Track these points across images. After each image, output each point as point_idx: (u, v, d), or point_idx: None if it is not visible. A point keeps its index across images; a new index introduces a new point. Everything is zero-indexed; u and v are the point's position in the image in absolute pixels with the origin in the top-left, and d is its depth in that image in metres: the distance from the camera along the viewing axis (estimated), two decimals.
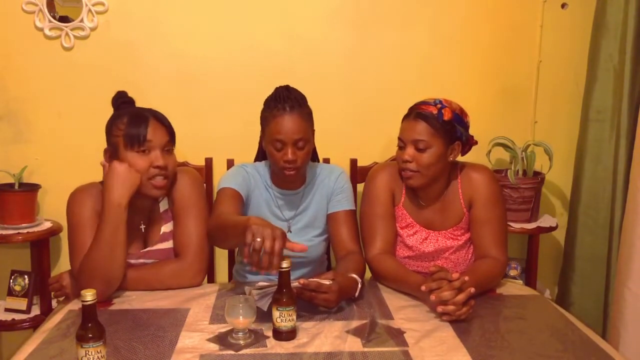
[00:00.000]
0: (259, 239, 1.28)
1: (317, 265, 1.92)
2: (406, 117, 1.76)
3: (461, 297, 1.46)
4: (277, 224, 1.58)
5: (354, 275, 1.60)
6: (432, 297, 1.49)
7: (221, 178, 1.82)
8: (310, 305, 1.51)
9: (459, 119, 1.72)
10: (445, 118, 1.68)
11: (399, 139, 1.75)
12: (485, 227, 1.75)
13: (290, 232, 1.84)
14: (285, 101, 1.71)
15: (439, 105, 1.69)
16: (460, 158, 1.81)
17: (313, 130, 1.79)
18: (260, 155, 1.92)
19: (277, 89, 1.77)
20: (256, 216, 1.49)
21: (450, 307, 1.46)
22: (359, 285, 1.60)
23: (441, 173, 1.75)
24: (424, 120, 1.69)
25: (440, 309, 1.47)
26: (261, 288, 1.44)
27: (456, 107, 1.73)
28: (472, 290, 1.47)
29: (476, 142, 1.82)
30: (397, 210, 1.83)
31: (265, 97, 1.77)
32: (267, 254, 1.27)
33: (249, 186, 1.81)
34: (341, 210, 1.84)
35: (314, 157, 1.94)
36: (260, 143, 1.89)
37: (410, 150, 1.71)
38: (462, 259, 1.80)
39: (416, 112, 1.72)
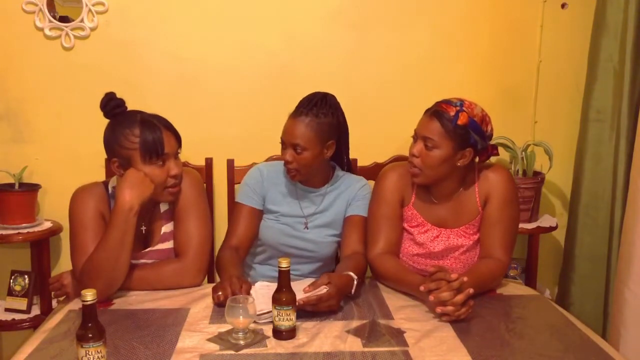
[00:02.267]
0: (219, 293, 1.56)
1: (326, 263, 1.94)
2: (426, 112, 1.73)
3: (460, 297, 1.46)
4: (295, 220, 1.88)
5: (349, 273, 1.61)
6: (431, 298, 1.49)
7: (242, 182, 1.93)
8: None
9: (476, 126, 1.67)
10: (460, 122, 1.65)
11: (415, 130, 1.75)
12: (495, 227, 1.74)
13: (307, 229, 1.88)
14: (304, 105, 1.78)
15: (457, 108, 1.66)
16: None
17: (325, 141, 1.79)
18: None
19: (314, 93, 1.83)
20: (229, 275, 1.63)
21: (449, 308, 1.46)
22: (355, 282, 1.61)
23: (447, 175, 1.73)
24: (438, 119, 1.67)
25: (439, 309, 1.47)
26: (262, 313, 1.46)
27: (477, 114, 1.69)
28: (471, 290, 1.48)
29: (497, 153, 1.81)
30: (407, 210, 1.82)
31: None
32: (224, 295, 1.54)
33: (263, 188, 1.88)
34: (357, 214, 1.88)
35: (345, 166, 1.97)
36: None
37: (419, 146, 1.71)
38: (471, 260, 1.79)
39: (434, 110, 1.70)
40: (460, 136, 1.67)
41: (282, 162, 1.88)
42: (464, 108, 1.67)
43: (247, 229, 1.86)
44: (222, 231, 1.97)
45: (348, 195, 1.90)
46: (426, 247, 1.80)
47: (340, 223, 1.90)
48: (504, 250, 1.72)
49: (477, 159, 1.77)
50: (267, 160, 2.22)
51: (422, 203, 1.81)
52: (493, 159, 1.91)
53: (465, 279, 1.49)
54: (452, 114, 1.66)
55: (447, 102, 1.70)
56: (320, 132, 1.77)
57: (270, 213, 1.89)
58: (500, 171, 1.79)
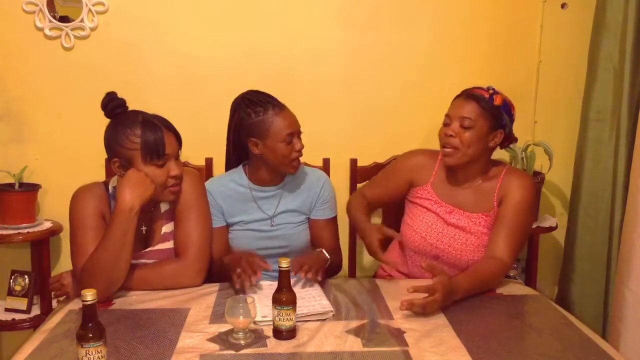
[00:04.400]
0: (238, 270, 1.64)
1: (303, 255, 1.93)
2: (457, 97, 1.85)
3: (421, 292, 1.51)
4: (260, 223, 1.89)
5: (323, 252, 1.79)
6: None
7: None
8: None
9: (508, 108, 1.81)
10: (496, 103, 1.78)
11: (446, 115, 1.84)
12: (504, 228, 1.75)
13: (273, 226, 1.90)
14: (272, 99, 1.81)
15: (491, 91, 1.80)
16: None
17: None
18: (233, 162, 1.96)
19: (246, 96, 1.83)
20: (231, 254, 1.81)
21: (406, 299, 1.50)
22: (328, 259, 1.79)
23: (479, 155, 1.81)
24: (475, 100, 1.78)
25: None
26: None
27: (506, 97, 1.82)
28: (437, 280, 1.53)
29: (516, 140, 1.90)
30: (423, 189, 1.90)
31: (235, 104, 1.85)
32: (246, 274, 1.62)
33: (218, 206, 1.89)
34: (325, 218, 1.95)
35: None
36: (230, 151, 1.92)
37: (455, 127, 1.79)
38: (479, 249, 1.80)
39: (468, 93, 1.82)
40: (495, 117, 1.79)
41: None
42: (497, 91, 1.81)
43: (222, 246, 1.89)
44: None
45: (312, 193, 1.93)
46: (440, 215, 1.85)
47: (304, 211, 1.93)
48: (508, 252, 1.72)
49: (498, 146, 1.87)
50: None
51: (440, 185, 1.89)
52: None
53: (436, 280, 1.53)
54: (487, 96, 1.78)
55: (479, 88, 1.82)
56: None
57: (234, 225, 1.91)
58: (525, 179, 1.83)
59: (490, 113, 1.77)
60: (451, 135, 1.79)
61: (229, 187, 1.91)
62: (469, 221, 1.82)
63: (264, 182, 1.90)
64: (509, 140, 1.87)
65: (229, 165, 1.97)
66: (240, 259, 1.69)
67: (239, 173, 1.93)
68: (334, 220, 1.98)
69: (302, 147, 1.83)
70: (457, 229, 1.82)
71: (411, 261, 1.90)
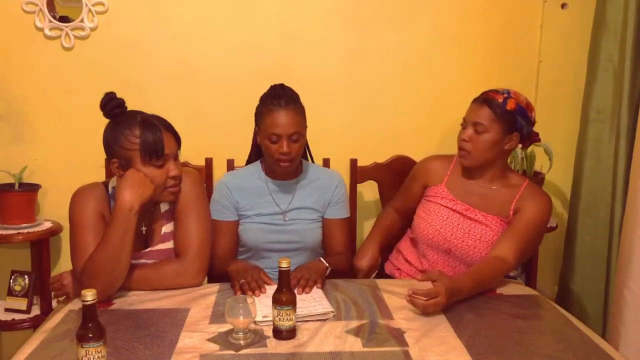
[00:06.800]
0: (242, 280, 1.65)
1: (314, 253, 1.96)
2: (474, 101, 1.86)
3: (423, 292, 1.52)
4: (273, 217, 1.90)
5: (322, 261, 1.79)
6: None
7: (211, 199, 1.94)
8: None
9: (522, 111, 1.80)
10: (508, 107, 1.78)
11: (463, 119, 1.86)
12: (513, 234, 1.76)
13: (286, 221, 1.91)
14: (281, 97, 1.81)
15: (505, 95, 1.80)
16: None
17: (306, 126, 1.87)
18: (254, 153, 1.99)
19: (272, 86, 1.87)
20: (236, 263, 1.79)
21: (410, 297, 1.52)
22: (327, 267, 1.78)
23: (495, 158, 1.83)
24: (488, 105, 1.79)
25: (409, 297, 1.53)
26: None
27: (522, 101, 1.82)
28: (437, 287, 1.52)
29: (539, 140, 1.91)
30: (438, 188, 1.93)
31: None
32: (250, 289, 1.62)
33: (232, 199, 1.91)
34: (338, 218, 1.96)
35: (307, 156, 2.03)
36: (254, 139, 1.96)
37: (469, 131, 1.82)
38: (486, 241, 1.81)
39: (483, 97, 1.83)
40: (509, 121, 1.79)
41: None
42: (511, 95, 1.81)
43: (230, 241, 1.92)
44: None
45: (326, 193, 1.94)
46: (455, 211, 1.86)
47: (319, 209, 1.94)
48: (513, 254, 1.72)
49: (520, 146, 1.90)
50: None
51: (455, 185, 1.91)
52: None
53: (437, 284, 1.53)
54: (501, 100, 1.79)
55: (494, 91, 1.83)
56: (305, 117, 1.86)
57: (247, 217, 1.92)
58: (545, 198, 1.84)
59: (504, 117, 1.78)
60: (465, 140, 1.82)
61: (245, 179, 1.93)
62: (485, 219, 1.84)
63: (277, 175, 1.91)
64: (529, 140, 1.89)
65: (250, 157, 2.01)
66: (246, 271, 1.70)
67: (256, 167, 1.96)
68: (347, 221, 1.99)
69: (290, 152, 1.78)
70: (473, 222, 1.84)
71: (425, 257, 1.91)
